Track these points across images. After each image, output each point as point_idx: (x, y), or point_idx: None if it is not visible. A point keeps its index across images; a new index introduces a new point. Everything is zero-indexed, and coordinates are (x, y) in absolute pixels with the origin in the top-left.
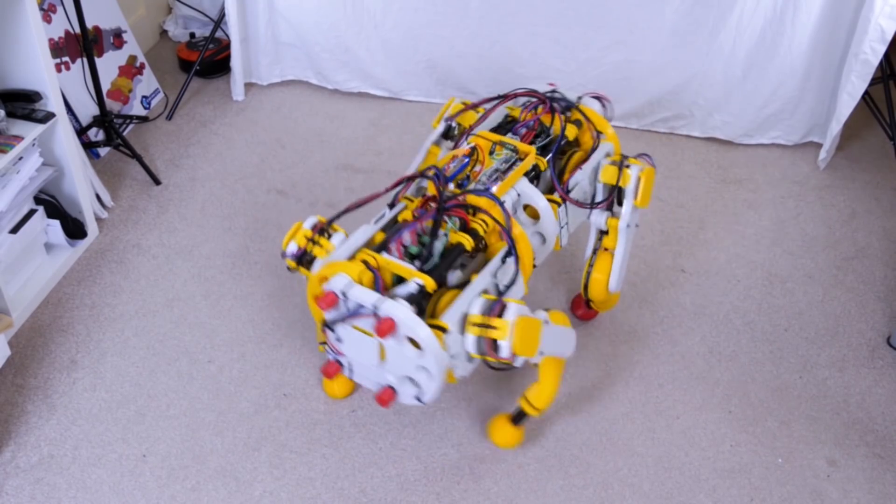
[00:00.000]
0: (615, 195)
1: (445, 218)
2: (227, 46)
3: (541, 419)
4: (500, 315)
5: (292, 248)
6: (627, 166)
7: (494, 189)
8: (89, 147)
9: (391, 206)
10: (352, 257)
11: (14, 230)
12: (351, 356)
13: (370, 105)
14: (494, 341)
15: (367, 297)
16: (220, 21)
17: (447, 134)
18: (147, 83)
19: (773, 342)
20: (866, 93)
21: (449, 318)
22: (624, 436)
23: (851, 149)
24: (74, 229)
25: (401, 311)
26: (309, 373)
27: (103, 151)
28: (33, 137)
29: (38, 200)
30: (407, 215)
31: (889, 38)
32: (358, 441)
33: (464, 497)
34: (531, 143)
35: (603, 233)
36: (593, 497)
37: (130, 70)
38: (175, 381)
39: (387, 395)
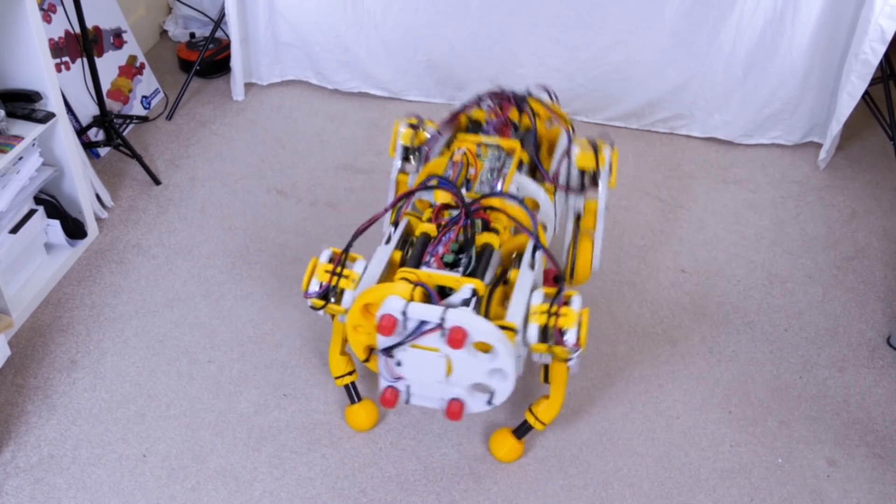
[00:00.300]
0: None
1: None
2: (227, 46)
3: None
4: (565, 305)
5: (315, 286)
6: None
7: (499, 186)
8: (89, 147)
9: (395, 224)
10: (382, 280)
11: (14, 230)
12: (412, 378)
13: (370, 105)
14: (560, 331)
15: (430, 311)
16: (220, 21)
17: (406, 157)
18: (147, 83)
19: (773, 342)
20: (866, 93)
21: (513, 318)
22: (624, 436)
23: (851, 149)
24: (74, 229)
25: (470, 318)
26: (309, 373)
27: (103, 151)
28: (33, 137)
29: (38, 200)
30: (426, 228)
31: (889, 38)
32: (358, 441)
33: (464, 497)
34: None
35: (578, 217)
36: (593, 497)
37: (130, 70)
38: (175, 381)
39: (456, 408)
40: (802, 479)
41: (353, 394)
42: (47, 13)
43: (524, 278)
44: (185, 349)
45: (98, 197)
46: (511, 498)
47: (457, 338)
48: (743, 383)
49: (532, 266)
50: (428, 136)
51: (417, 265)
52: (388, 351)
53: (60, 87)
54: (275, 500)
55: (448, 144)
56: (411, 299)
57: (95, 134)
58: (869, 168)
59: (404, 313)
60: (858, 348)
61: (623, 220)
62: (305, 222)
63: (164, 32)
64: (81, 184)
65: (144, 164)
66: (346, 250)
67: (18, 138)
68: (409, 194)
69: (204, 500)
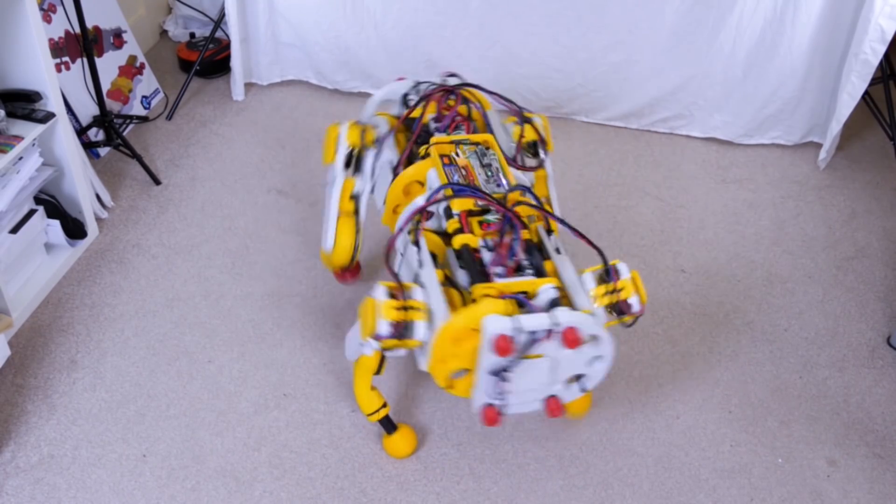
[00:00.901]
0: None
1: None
2: (227, 46)
3: (540, 419)
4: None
5: (385, 327)
6: (530, 121)
7: (504, 181)
8: (89, 147)
9: (416, 243)
10: (454, 303)
11: (14, 230)
12: (518, 388)
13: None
14: (626, 303)
15: (539, 321)
16: (220, 21)
17: (348, 163)
18: (147, 83)
19: (773, 342)
20: (866, 93)
21: (584, 304)
22: (624, 436)
23: (851, 149)
24: (74, 229)
25: (576, 315)
26: (309, 373)
27: (103, 151)
28: (33, 137)
29: (38, 200)
30: (466, 239)
31: (889, 38)
32: (358, 441)
33: (464, 497)
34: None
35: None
36: (593, 497)
37: (130, 70)
38: (175, 381)
39: (556, 404)
40: (802, 479)
41: (389, 425)
42: (47, 13)
43: (564, 265)
44: (185, 349)
45: (98, 197)
46: (511, 498)
47: (573, 338)
48: (743, 383)
49: (557, 250)
50: (378, 134)
51: (483, 279)
52: (500, 370)
53: (60, 87)
54: (275, 500)
55: (406, 150)
56: (511, 313)
57: (95, 134)
58: (869, 168)
59: (518, 328)
60: (858, 348)
61: (623, 220)
62: (305, 222)
63: (164, 32)
64: (81, 184)
65: (144, 164)
66: (400, 281)
67: (18, 138)
68: (424, 209)
69: (204, 500)
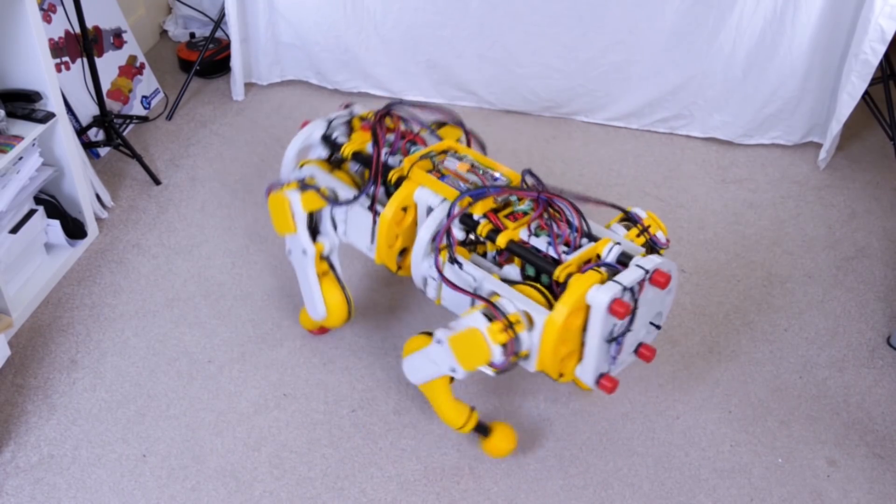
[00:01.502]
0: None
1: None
2: (227, 46)
3: (540, 419)
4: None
5: (499, 354)
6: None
7: (498, 175)
8: (89, 147)
9: (453, 260)
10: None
11: (14, 230)
12: (628, 345)
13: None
14: (655, 238)
15: (634, 274)
16: (220, 21)
17: (309, 222)
18: (147, 83)
19: (773, 342)
20: (866, 93)
21: (636, 249)
22: (624, 436)
23: (851, 149)
24: (74, 229)
25: (655, 258)
26: (309, 373)
27: (103, 151)
28: (33, 137)
29: (38, 200)
30: (511, 235)
31: (889, 38)
32: (358, 441)
33: (464, 497)
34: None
35: None
36: (593, 497)
37: (130, 70)
38: (175, 381)
39: (647, 349)
40: (802, 479)
41: (484, 429)
42: (47, 13)
43: (595, 228)
44: (185, 349)
45: (98, 197)
46: (511, 498)
47: (664, 279)
48: (743, 383)
49: None
50: (324, 189)
51: (549, 262)
52: (616, 336)
53: (60, 87)
54: (275, 500)
55: (377, 185)
56: (603, 281)
57: (95, 134)
58: (869, 168)
59: (622, 288)
60: (858, 348)
61: None
62: None
63: (164, 32)
64: (81, 184)
65: (144, 164)
66: (494, 304)
67: (18, 138)
68: (449, 227)
69: (204, 500)
